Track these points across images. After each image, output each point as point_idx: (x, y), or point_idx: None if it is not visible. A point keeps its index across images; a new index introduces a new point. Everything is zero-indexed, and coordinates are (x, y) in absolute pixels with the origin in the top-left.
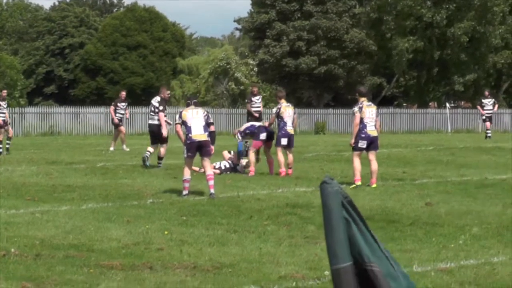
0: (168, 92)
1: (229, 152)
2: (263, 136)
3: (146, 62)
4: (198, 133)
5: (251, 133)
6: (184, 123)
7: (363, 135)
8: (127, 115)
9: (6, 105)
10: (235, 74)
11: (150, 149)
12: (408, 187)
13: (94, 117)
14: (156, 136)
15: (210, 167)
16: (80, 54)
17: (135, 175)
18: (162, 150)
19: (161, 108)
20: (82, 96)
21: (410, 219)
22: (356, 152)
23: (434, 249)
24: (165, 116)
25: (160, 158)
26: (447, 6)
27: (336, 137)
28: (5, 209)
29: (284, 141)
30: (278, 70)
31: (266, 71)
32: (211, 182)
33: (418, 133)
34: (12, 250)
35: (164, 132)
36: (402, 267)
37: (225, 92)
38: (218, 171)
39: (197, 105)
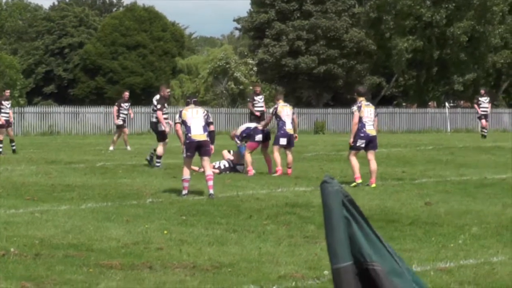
0: (168, 90)
1: (229, 152)
2: (258, 137)
3: (145, 61)
4: (198, 133)
5: (247, 136)
6: (183, 122)
7: (362, 134)
8: (132, 115)
9: (9, 105)
10: (235, 74)
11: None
12: (408, 186)
13: (94, 116)
14: (156, 134)
15: (209, 167)
16: (79, 54)
17: (135, 174)
18: (160, 148)
19: (159, 106)
20: (81, 96)
21: (409, 218)
22: (353, 151)
23: (433, 248)
24: (166, 114)
25: (158, 157)
26: (447, 5)
27: (335, 137)
28: (4, 208)
29: (283, 141)
30: (278, 70)
31: (266, 70)
32: (211, 183)
33: (417, 133)
34: (12, 249)
35: (166, 128)
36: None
37: (224, 91)
38: (217, 171)
39: (196, 104)
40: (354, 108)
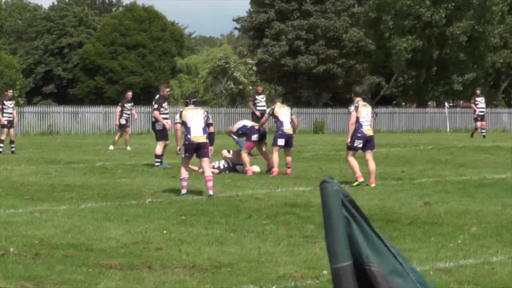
0: (168, 90)
1: (228, 152)
2: (255, 137)
3: (145, 61)
4: (198, 135)
5: (243, 134)
6: (184, 123)
7: (359, 134)
8: (135, 116)
9: (12, 105)
10: (234, 74)
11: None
12: (407, 186)
13: (93, 116)
14: (154, 133)
15: (209, 168)
16: (79, 54)
17: (134, 174)
18: (159, 148)
19: (155, 106)
20: (81, 96)
21: (409, 218)
22: (351, 152)
23: (433, 248)
24: (167, 114)
25: (157, 156)
26: (446, 5)
27: (335, 137)
28: (4, 208)
29: (281, 142)
30: (277, 70)
31: (265, 70)
32: (210, 184)
33: (417, 133)
34: (11, 249)
35: (166, 125)
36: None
37: (223, 91)
38: (217, 171)
39: (196, 104)
40: (352, 108)
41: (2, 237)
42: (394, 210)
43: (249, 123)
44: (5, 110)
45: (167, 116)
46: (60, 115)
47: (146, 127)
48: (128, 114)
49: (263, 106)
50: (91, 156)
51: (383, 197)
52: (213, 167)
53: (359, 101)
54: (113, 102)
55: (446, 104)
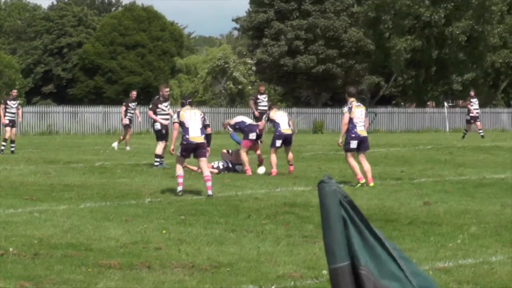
0: (167, 90)
1: (228, 152)
2: (252, 135)
3: (144, 61)
4: (196, 136)
5: (240, 129)
6: (181, 123)
7: (353, 135)
8: (139, 118)
9: (15, 105)
10: (233, 74)
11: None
12: (406, 186)
13: (92, 116)
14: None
15: (207, 168)
16: (78, 54)
17: (133, 174)
18: (159, 148)
19: (150, 106)
20: (80, 96)
21: (408, 218)
22: (349, 153)
23: (432, 248)
24: (167, 114)
25: (157, 156)
26: (445, 5)
27: (334, 136)
28: (3, 208)
29: (278, 143)
30: (276, 70)
31: (264, 70)
32: (209, 184)
33: (416, 132)
34: (10, 249)
35: (163, 122)
36: (416, 266)
37: (223, 91)
38: (216, 171)
39: (192, 105)
40: (345, 109)
41: (1, 237)
42: (394, 210)
43: (248, 120)
44: (7, 110)
45: (167, 116)
46: (60, 115)
47: (146, 127)
48: (132, 114)
49: (265, 106)
50: (90, 156)
51: (383, 197)
52: (213, 167)
53: (352, 101)
54: (113, 102)
55: (446, 104)
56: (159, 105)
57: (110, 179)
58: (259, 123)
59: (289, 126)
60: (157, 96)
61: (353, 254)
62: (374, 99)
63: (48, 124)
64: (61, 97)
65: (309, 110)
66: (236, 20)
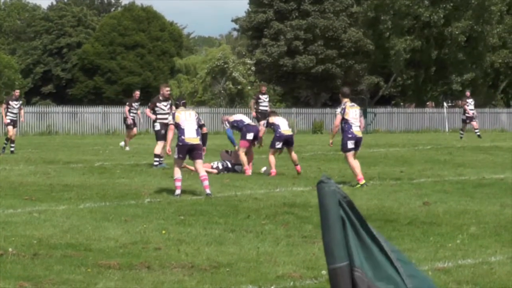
0: (167, 89)
1: (227, 152)
2: (250, 136)
3: (143, 61)
4: (191, 137)
5: (238, 128)
6: (177, 125)
7: (350, 136)
8: (140, 117)
9: (18, 105)
10: (233, 74)
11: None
12: (406, 186)
13: (92, 116)
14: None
15: (203, 168)
16: (77, 54)
17: (133, 174)
18: (158, 147)
19: (148, 104)
20: (79, 96)
21: (407, 218)
22: (349, 153)
23: (431, 248)
24: (167, 114)
25: (156, 155)
26: (445, 5)
27: (337, 136)
28: (2, 208)
29: (278, 145)
30: (276, 70)
31: (264, 70)
32: (206, 183)
33: (415, 133)
34: (10, 249)
35: (153, 117)
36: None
37: (222, 91)
38: (215, 171)
39: (186, 105)
40: (338, 110)
41: (1, 237)
42: (393, 210)
43: (247, 119)
44: (9, 110)
45: (166, 116)
46: (59, 115)
47: (145, 127)
48: (135, 114)
49: (266, 106)
50: (90, 156)
51: (382, 197)
52: (212, 167)
53: (346, 102)
54: (112, 102)
55: (445, 104)
56: (158, 104)
57: (110, 179)
58: (260, 126)
59: (288, 126)
60: (157, 96)
61: (350, 255)
62: (373, 99)
63: (48, 124)
64: (61, 97)
65: (308, 110)
66: (236, 20)
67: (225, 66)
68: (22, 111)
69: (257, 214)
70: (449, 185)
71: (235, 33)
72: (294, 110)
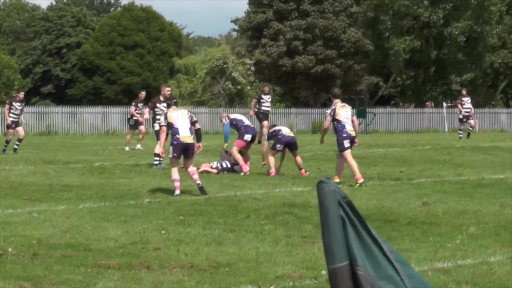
0: (168, 89)
1: (227, 152)
2: (247, 137)
3: (143, 61)
4: (186, 135)
5: (236, 127)
6: (170, 124)
7: (344, 135)
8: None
9: (21, 107)
10: (232, 74)
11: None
12: (405, 186)
13: (91, 116)
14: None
15: (191, 166)
16: (77, 54)
17: (132, 174)
18: (158, 147)
19: (149, 104)
20: (79, 96)
21: (407, 218)
22: (346, 152)
23: (431, 248)
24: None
25: (156, 155)
26: (444, 5)
27: (333, 137)
28: (2, 208)
29: (280, 147)
30: (275, 70)
31: (263, 70)
32: (195, 176)
33: (415, 133)
34: (9, 249)
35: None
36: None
37: (222, 91)
38: (215, 171)
39: (177, 104)
40: (328, 111)
41: (0, 237)
42: (392, 210)
43: (246, 121)
44: (12, 111)
45: None
46: (58, 115)
47: (145, 127)
48: (140, 114)
49: (268, 106)
50: (90, 156)
51: (381, 197)
52: (211, 167)
53: (337, 102)
54: (111, 102)
55: (444, 104)
56: (158, 104)
57: (109, 180)
58: (263, 141)
59: (290, 129)
60: (158, 96)
61: (351, 254)
62: (373, 99)
63: (47, 124)
64: (60, 98)
65: (308, 110)
66: (235, 21)
67: (225, 66)
68: (22, 116)
69: (257, 214)
70: (448, 185)
71: (234, 33)
72: (293, 110)
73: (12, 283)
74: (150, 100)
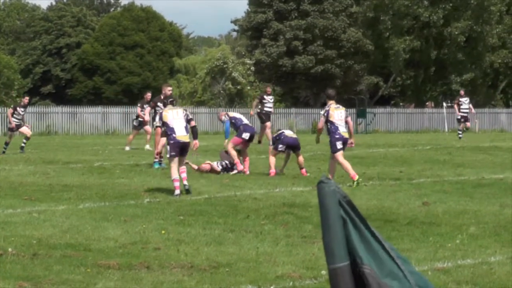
0: (169, 88)
1: (226, 152)
2: (245, 135)
3: (143, 61)
4: (182, 134)
5: (235, 126)
6: (165, 124)
7: (337, 136)
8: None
9: (24, 112)
10: (232, 74)
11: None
12: (405, 186)
13: (91, 116)
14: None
15: (183, 163)
16: (77, 54)
17: (132, 174)
18: (159, 146)
19: (150, 103)
20: (79, 96)
21: (407, 218)
22: (337, 154)
23: (431, 248)
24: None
25: (157, 154)
26: (444, 5)
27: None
28: (2, 208)
29: (282, 148)
30: (275, 70)
31: (263, 70)
32: (184, 175)
33: (415, 133)
34: (9, 249)
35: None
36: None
37: (222, 91)
38: (219, 168)
39: (174, 104)
40: (322, 112)
41: (0, 237)
42: (392, 210)
43: (245, 120)
44: (15, 116)
45: None
46: (58, 115)
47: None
48: (144, 114)
49: (270, 107)
50: (89, 156)
51: (381, 197)
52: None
53: (331, 104)
54: (111, 102)
55: (444, 104)
56: (159, 104)
57: (109, 180)
58: (267, 135)
59: (293, 131)
60: (159, 95)
61: (354, 253)
62: (373, 99)
63: (47, 124)
64: (60, 98)
65: (308, 110)
66: (235, 21)
67: (225, 66)
68: (23, 120)
69: (257, 214)
70: (448, 185)
71: (234, 33)
72: (293, 110)
73: (12, 283)
74: (151, 100)
